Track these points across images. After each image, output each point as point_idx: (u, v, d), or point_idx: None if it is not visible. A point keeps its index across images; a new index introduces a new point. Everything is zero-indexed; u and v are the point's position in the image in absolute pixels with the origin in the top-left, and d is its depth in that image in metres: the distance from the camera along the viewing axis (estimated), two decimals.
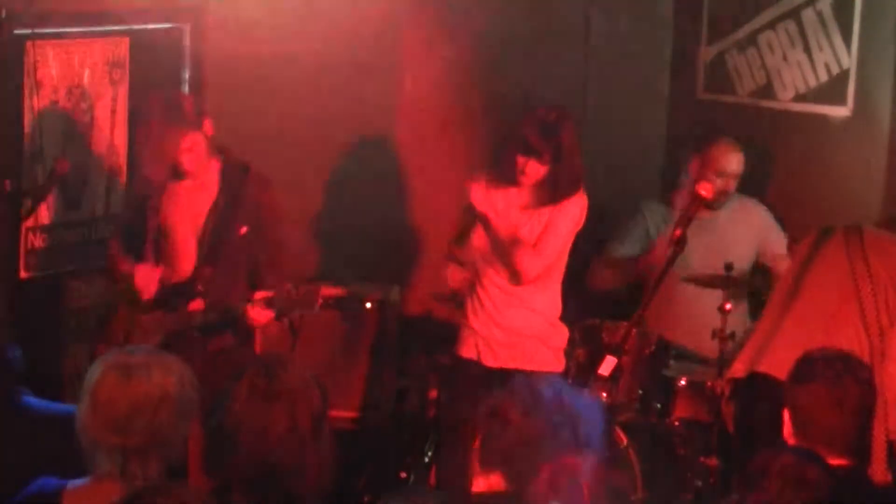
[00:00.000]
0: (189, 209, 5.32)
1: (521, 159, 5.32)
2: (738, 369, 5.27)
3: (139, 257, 5.33)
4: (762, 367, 5.09)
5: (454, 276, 5.61)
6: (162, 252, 5.33)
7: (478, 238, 5.46)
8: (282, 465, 3.17)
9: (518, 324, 5.46)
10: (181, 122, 5.17)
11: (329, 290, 6.32)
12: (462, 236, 5.49)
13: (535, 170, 5.33)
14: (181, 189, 5.31)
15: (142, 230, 5.36)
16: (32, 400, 3.95)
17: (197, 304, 5.23)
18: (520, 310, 5.46)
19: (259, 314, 5.14)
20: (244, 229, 5.28)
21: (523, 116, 5.40)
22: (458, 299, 5.69)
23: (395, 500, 3.32)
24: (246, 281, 5.32)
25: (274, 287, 5.21)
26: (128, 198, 5.71)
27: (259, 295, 5.16)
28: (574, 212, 5.41)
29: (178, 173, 5.24)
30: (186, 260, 5.31)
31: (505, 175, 5.42)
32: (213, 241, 5.28)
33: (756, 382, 5.19)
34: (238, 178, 5.30)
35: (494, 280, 5.47)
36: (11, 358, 4.04)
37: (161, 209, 5.33)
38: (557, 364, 5.55)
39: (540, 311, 5.48)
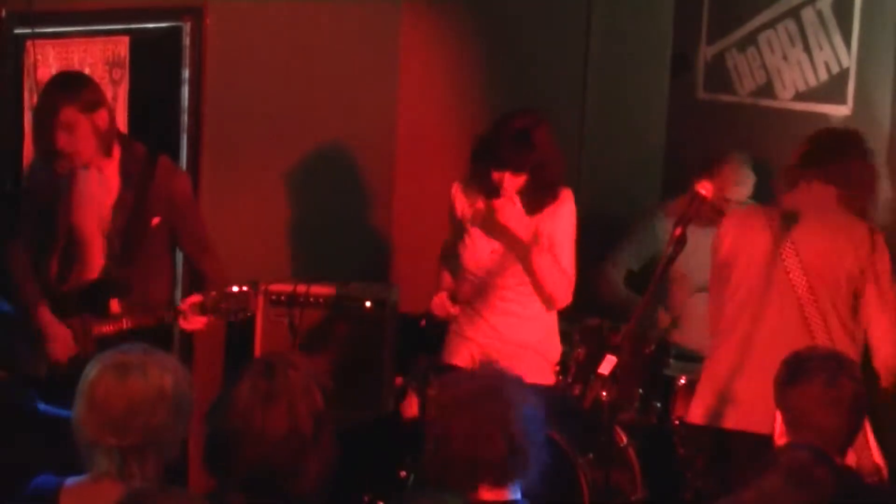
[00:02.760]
0: (93, 204, 5.18)
1: (495, 174, 5.20)
2: (696, 414, 5.21)
3: (47, 260, 5.20)
4: (729, 424, 5.07)
5: (441, 307, 5.51)
6: (70, 252, 5.20)
7: (469, 250, 5.40)
8: (283, 467, 3.16)
9: (518, 335, 5.38)
10: (65, 96, 5.02)
11: (322, 290, 6.34)
12: (452, 247, 5.46)
13: (512, 182, 5.21)
14: (85, 184, 5.18)
15: (51, 232, 5.20)
16: (45, 406, 3.91)
17: (114, 306, 5.10)
18: (519, 319, 5.39)
19: (192, 321, 4.99)
20: (156, 220, 5.12)
21: (492, 126, 5.26)
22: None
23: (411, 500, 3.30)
24: (169, 276, 5.23)
25: (212, 285, 5.09)
26: (28, 194, 5.41)
27: (189, 300, 5.01)
28: (566, 213, 5.32)
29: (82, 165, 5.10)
30: (96, 258, 5.19)
31: (481, 187, 5.33)
32: (125, 238, 5.13)
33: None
34: (143, 168, 5.13)
35: (492, 289, 5.39)
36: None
37: (69, 205, 5.18)
38: (550, 377, 5.48)
39: (538, 318, 5.40)
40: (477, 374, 3.56)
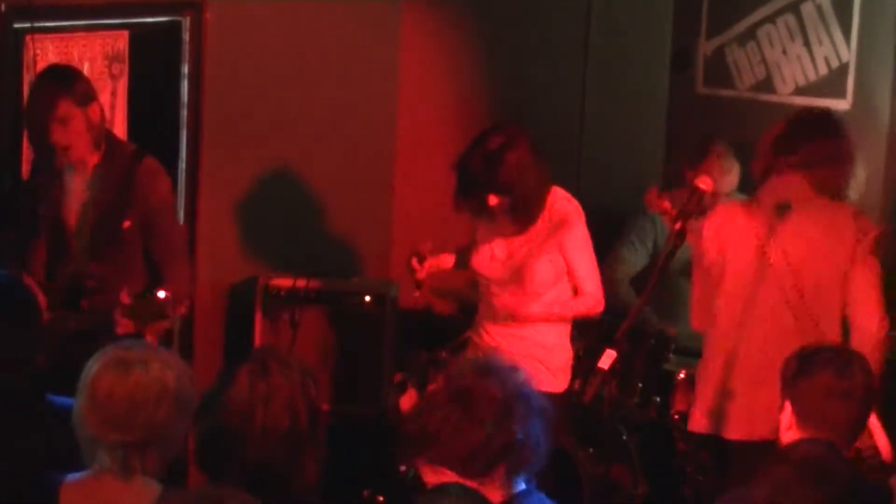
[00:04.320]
0: (75, 202, 5.15)
1: (480, 194, 5.11)
2: (700, 423, 5.16)
3: (35, 256, 5.17)
4: (732, 435, 5.04)
5: (408, 264, 5.46)
6: (56, 249, 5.17)
7: (476, 253, 5.37)
8: (284, 463, 3.15)
9: (514, 347, 5.30)
10: (60, 89, 4.98)
11: (322, 285, 6.35)
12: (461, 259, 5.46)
13: (496, 200, 5.12)
14: (70, 181, 5.14)
15: (34, 222, 5.18)
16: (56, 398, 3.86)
17: (83, 305, 4.96)
18: (514, 330, 5.34)
19: (120, 325, 4.70)
20: (127, 223, 5.06)
21: (469, 146, 5.16)
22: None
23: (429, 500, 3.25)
24: (142, 279, 5.10)
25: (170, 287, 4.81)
26: (23, 188, 5.43)
27: (124, 301, 4.70)
28: (574, 221, 5.24)
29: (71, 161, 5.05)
30: (76, 255, 5.16)
31: (470, 206, 5.21)
32: (95, 236, 5.09)
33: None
34: (125, 170, 5.07)
35: (491, 297, 5.36)
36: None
37: (55, 201, 5.14)
38: (556, 385, 5.41)
39: (536, 331, 5.36)
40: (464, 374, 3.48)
